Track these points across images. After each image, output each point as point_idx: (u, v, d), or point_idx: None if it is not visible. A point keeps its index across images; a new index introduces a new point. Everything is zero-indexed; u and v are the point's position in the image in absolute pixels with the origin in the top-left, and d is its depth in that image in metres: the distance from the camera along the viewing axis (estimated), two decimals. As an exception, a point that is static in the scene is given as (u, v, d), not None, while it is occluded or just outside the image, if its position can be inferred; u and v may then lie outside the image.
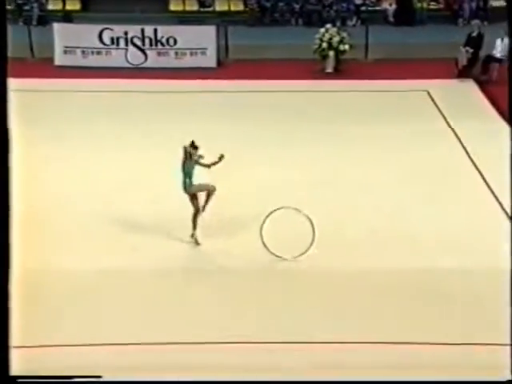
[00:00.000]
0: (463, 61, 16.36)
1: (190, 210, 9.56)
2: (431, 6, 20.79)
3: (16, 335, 3.79)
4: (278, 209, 9.23)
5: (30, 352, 7.18)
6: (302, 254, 9.19)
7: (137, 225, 10.15)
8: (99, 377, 5.28)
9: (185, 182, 9.38)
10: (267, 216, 9.20)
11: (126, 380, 6.97)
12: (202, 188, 9.43)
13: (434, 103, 14.99)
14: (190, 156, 9.32)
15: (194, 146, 9.38)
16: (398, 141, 13.10)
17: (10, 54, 3.68)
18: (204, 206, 9.50)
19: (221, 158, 9.40)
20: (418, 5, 20.62)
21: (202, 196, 9.55)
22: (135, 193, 11.07)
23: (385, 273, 9.07)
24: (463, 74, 16.34)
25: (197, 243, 9.50)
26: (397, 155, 12.50)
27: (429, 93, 15.52)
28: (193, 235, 9.53)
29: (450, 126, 13.71)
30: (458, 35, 17.16)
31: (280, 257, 9.22)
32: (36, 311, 8.01)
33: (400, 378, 6.48)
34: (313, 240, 9.15)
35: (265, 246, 9.22)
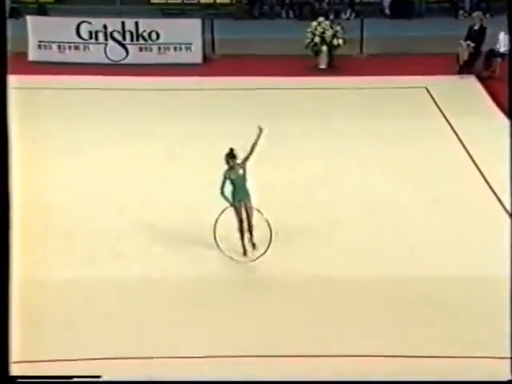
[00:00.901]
0: (464, 56, 16.42)
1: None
2: (429, -2, 20.89)
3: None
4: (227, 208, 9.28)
5: (25, 367, 7.12)
6: (258, 257, 9.28)
7: (120, 231, 10.12)
8: (98, 377, 5.31)
9: (233, 193, 9.20)
10: (220, 214, 9.26)
11: (125, 380, 7.00)
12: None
13: (434, 101, 15.04)
14: (231, 167, 9.14)
15: (231, 154, 9.17)
16: (396, 140, 13.14)
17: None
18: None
19: (260, 130, 9.34)
20: (416, -4, 20.70)
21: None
22: (117, 196, 11.03)
23: (382, 281, 9.08)
24: (464, 69, 16.40)
25: (244, 254, 9.42)
26: (394, 155, 12.55)
27: (428, 90, 15.58)
28: (244, 246, 9.44)
29: (450, 125, 13.76)
30: (458, 28, 17.23)
31: (236, 260, 9.32)
32: (33, 324, 7.97)
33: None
34: (269, 243, 9.20)
35: (218, 247, 9.31)
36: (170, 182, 11.52)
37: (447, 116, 14.16)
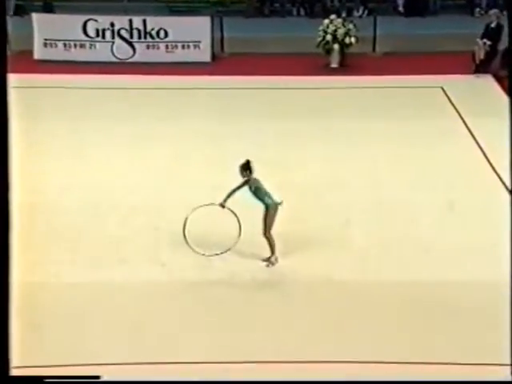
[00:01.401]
0: (480, 54, 16.35)
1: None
2: (445, -5, 20.81)
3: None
4: (204, 205, 9.34)
5: (26, 372, 7.13)
6: (226, 251, 9.32)
7: (125, 234, 10.13)
8: (98, 377, 5.37)
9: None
10: (192, 211, 9.34)
11: (125, 380, 7.00)
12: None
13: (449, 100, 14.98)
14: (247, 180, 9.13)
15: (245, 166, 9.15)
16: (410, 141, 13.09)
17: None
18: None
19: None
20: (431, -7, 20.63)
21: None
22: (123, 198, 11.03)
23: (396, 284, 9.06)
24: (480, 68, 16.33)
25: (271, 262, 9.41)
26: (408, 156, 12.51)
27: (443, 89, 15.52)
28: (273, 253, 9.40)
29: (466, 126, 13.71)
30: (474, 26, 17.16)
31: (201, 254, 9.34)
32: (36, 328, 8.00)
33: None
34: (238, 237, 9.26)
35: (186, 242, 9.30)
36: (177, 183, 11.52)
37: (463, 116, 14.10)
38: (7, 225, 3.39)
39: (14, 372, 5.80)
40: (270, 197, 9.14)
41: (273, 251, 9.33)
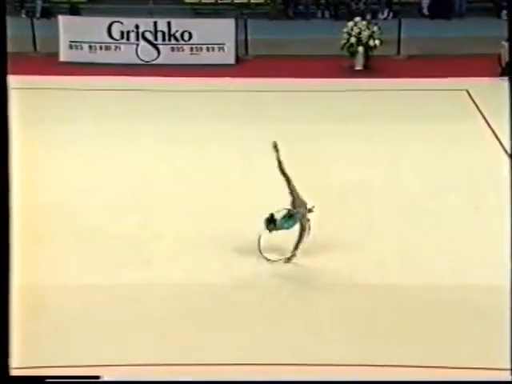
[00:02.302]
0: (506, 57, 16.23)
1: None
2: (471, -3, 20.67)
3: (15, 356, 3.79)
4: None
5: (47, 372, 7.19)
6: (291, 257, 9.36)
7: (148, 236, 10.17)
8: (97, 377, 5.41)
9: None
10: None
11: (125, 380, 7.03)
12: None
13: (475, 104, 14.88)
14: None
15: (270, 220, 9.23)
16: (435, 144, 13.02)
17: (11, 48, 3.69)
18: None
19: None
20: (457, -5, 20.50)
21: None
22: (147, 200, 11.08)
23: (420, 289, 9.01)
24: (506, 71, 16.21)
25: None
26: (432, 160, 12.44)
27: (468, 92, 15.42)
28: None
29: (491, 129, 13.59)
30: (501, 29, 16.92)
31: (270, 260, 9.35)
32: (38, 330, 8.05)
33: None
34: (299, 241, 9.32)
35: (260, 251, 9.35)
36: (200, 186, 11.54)
37: (489, 120, 13.98)
38: (7, 226, 3.41)
39: (36, 372, 5.87)
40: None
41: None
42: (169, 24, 17.60)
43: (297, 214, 9.24)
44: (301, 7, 20.66)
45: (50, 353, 7.82)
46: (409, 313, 8.61)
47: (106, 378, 5.94)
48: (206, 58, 17.48)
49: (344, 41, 17.01)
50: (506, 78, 16.09)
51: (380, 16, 20.21)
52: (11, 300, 3.59)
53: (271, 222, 9.19)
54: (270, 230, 9.21)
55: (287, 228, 9.28)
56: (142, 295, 8.91)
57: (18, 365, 6.14)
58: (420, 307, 8.70)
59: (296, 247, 9.33)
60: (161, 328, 8.35)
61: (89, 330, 8.30)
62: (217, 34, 17.55)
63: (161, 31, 17.58)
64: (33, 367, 7.29)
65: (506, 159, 12.41)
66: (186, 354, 7.91)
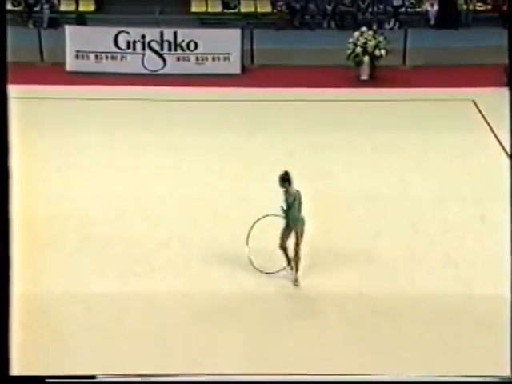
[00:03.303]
0: (513, 67, 16.22)
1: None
2: (477, 8, 20.69)
3: (16, 364, 3.80)
4: (262, 217, 9.26)
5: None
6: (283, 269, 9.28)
7: (152, 244, 10.18)
8: (93, 377, 5.42)
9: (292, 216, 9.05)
10: (252, 226, 9.29)
11: (125, 380, 7.02)
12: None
13: (481, 114, 14.88)
14: (287, 190, 9.02)
15: (284, 178, 9.04)
16: (441, 154, 13.03)
17: (18, 58, 3.73)
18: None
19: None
20: (463, 6, 20.53)
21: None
22: (153, 209, 11.10)
23: (426, 299, 8.99)
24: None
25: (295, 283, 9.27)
26: (438, 169, 12.45)
27: (474, 102, 15.42)
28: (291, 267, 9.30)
29: (497, 139, 13.59)
30: (506, 39, 17.00)
31: (263, 272, 9.32)
32: (39, 339, 8.07)
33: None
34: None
35: (250, 261, 9.32)
36: (206, 194, 11.56)
37: (495, 130, 13.98)
38: (7, 233, 3.41)
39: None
40: (295, 218, 9.03)
41: (289, 262, 9.29)
42: (175, 34, 17.67)
43: (293, 223, 9.04)
44: (307, 17, 20.72)
45: (53, 360, 7.82)
46: (415, 323, 8.59)
47: (104, 378, 5.96)
48: (211, 67, 17.53)
49: (350, 51, 17.04)
50: (512, 88, 16.10)
51: (386, 26, 20.24)
52: (11, 301, 3.60)
53: (285, 181, 8.97)
54: (285, 189, 8.94)
55: (287, 210, 9.03)
56: (146, 304, 8.92)
57: (20, 371, 6.13)
58: (426, 318, 8.69)
59: (297, 254, 9.18)
60: (165, 337, 8.35)
61: (92, 337, 8.30)
62: (223, 43, 17.61)
63: (167, 41, 17.65)
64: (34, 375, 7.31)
65: (512, 169, 12.41)
66: (189, 363, 7.91)
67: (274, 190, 10.14)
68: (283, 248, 9.22)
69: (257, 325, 8.62)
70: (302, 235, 9.08)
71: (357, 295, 9.05)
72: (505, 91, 17.25)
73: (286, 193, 9.02)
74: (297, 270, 9.20)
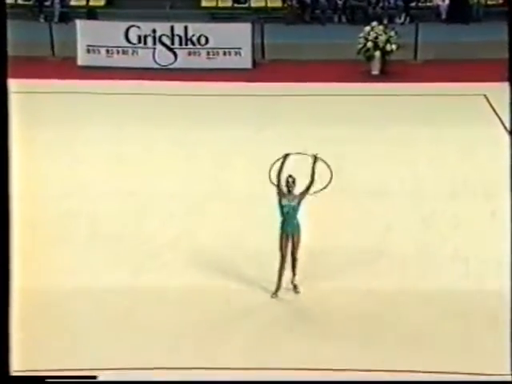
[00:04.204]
0: (525, 62, 16.11)
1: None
2: (489, 2, 20.56)
3: (17, 359, 3.80)
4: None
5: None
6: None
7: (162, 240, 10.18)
8: (94, 377, 5.44)
9: (293, 223, 8.63)
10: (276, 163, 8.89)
11: (124, 380, 7.04)
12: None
13: (492, 108, 14.79)
14: (289, 190, 8.64)
15: (291, 179, 8.70)
16: (452, 149, 12.98)
17: (30, 52, 3.72)
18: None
19: (315, 159, 8.94)
20: (474, 0, 20.40)
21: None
22: (163, 205, 11.10)
23: (437, 294, 8.96)
24: (524, 76, 16.08)
25: (276, 291, 8.92)
26: (450, 164, 12.40)
27: (486, 97, 15.33)
28: (279, 284, 8.92)
29: (509, 134, 13.50)
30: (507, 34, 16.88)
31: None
32: (50, 333, 8.09)
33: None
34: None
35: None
36: (218, 189, 11.55)
37: (506, 124, 13.90)
38: (8, 231, 3.41)
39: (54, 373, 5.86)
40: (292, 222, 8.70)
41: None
42: (186, 28, 17.64)
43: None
44: (317, 12, 20.64)
45: (64, 354, 7.84)
46: (425, 317, 8.57)
47: (103, 378, 5.97)
48: (222, 62, 17.49)
49: (361, 45, 16.97)
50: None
51: (397, 20, 20.14)
52: (12, 300, 3.60)
53: (291, 182, 8.67)
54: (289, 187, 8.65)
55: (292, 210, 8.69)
56: (156, 299, 8.92)
57: (27, 367, 6.16)
58: (437, 313, 8.66)
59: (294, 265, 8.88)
60: (176, 331, 8.35)
61: (103, 332, 8.32)
62: (233, 38, 17.57)
63: (178, 35, 17.62)
64: (48, 370, 7.34)
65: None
66: (199, 357, 7.91)
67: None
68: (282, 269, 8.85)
69: (266, 319, 8.61)
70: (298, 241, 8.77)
71: (367, 290, 9.02)
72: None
73: (291, 195, 8.70)
74: (294, 275, 8.92)
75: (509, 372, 7.47)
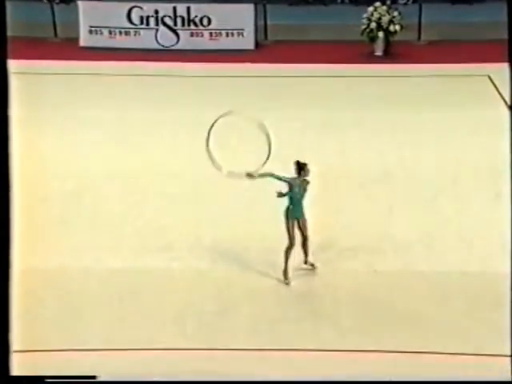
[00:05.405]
0: (529, 42, 16.01)
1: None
2: (493, -18, 20.40)
3: (17, 339, 3.80)
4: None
5: (33, 357, 7.23)
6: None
7: (164, 221, 10.17)
8: (94, 377, 5.45)
9: (299, 208, 8.67)
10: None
11: (124, 380, 7.08)
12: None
13: (497, 89, 14.72)
14: (299, 174, 8.68)
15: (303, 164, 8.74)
16: (456, 130, 12.92)
17: (31, 33, 3.67)
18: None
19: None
20: (478, -20, 20.24)
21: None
22: (167, 186, 11.08)
23: (440, 275, 8.97)
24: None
25: (312, 267, 9.03)
26: (453, 146, 12.35)
27: (490, 77, 15.25)
28: (306, 262, 9.04)
29: (510, 113, 13.45)
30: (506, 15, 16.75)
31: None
32: (54, 313, 8.11)
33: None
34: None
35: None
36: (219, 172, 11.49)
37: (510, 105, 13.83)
38: (8, 226, 3.40)
39: (59, 354, 5.88)
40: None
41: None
42: (188, 9, 17.54)
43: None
44: (320, -8, 20.48)
45: (70, 335, 7.87)
46: (429, 300, 8.58)
47: (102, 378, 6.01)
48: (225, 43, 17.40)
49: (364, 26, 16.86)
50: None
51: (400, 1, 19.97)
52: (11, 301, 3.59)
53: (300, 170, 8.71)
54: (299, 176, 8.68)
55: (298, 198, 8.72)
56: (161, 279, 8.94)
57: (37, 347, 6.17)
58: (440, 296, 8.67)
59: (306, 254, 9.03)
60: (181, 312, 8.37)
61: (108, 313, 8.34)
62: (236, 19, 17.47)
63: (180, 16, 17.52)
64: (54, 350, 7.36)
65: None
66: (206, 338, 7.93)
67: (287, 167, 10.07)
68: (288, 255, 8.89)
69: (269, 299, 8.62)
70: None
71: (370, 272, 9.03)
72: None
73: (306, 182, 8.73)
74: (307, 255, 9.02)
75: (509, 353, 7.52)
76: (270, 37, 17.89)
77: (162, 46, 17.50)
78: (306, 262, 9.09)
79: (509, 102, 3.90)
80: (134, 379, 7.22)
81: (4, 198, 3.34)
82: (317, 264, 9.09)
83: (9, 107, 3.34)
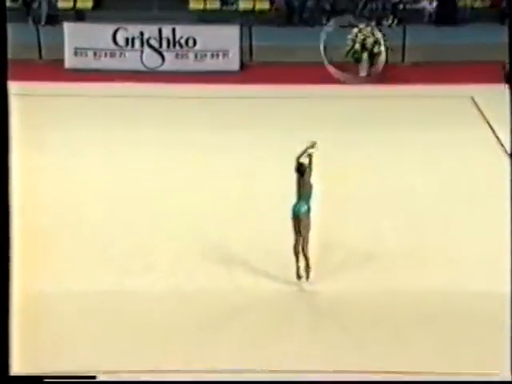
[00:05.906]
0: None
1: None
2: (476, 4, 20.67)
3: (16, 362, 3.80)
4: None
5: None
6: None
7: (152, 242, 10.17)
8: (93, 377, 5.43)
9: (305, 207, 8.79)
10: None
11: (124, 380, 7.05)
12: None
13: (479, 110, 14.88)
14: (303, 174, 8.84)
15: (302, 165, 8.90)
16: (439, 151, 13.03)
17: (16, 55, 3.71)
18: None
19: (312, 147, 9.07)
20: (462, 2, 20.52)
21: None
22: (151, 206, 11.09)
23: (426, 295, 9.00)
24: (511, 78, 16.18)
25: (299, 277, 9.04)
26: (437, 166, 12.45)
27: (473, 99, 15.41)
28: (298, 269, 9.03)
29: (495, 135, 13.59)
30: (505, 35, 16.85)
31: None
32: (41, 336, 8.06)
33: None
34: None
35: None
36: (205, 191, 11.54)
37: (493, 126, 13.98)
38: (8, 232, 3.40)
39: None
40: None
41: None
42: (173, 31, 17.64)
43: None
44: (305, 14, 20.66)
45: (51, 359, 7.81)
46: (415, 320, 8.59)
47: (101, 378, 5.98)
48: (210, 64, 17.50)
49: (348, 47, 17.02)
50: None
51: (385, 23, 20.21)
52: (12, 301, 3.60)
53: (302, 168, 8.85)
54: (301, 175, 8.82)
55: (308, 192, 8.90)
56: (144, 302, 8.91)
57: (17, 370, 6.14)
58: (426, 315, 8.69)
59: (305, 251, 9.08)
60: (164, 334, 8.34)
61: (91, 336, 8.29)
62: (221, 40, 17.58)
63: (165, 38, 17.62)
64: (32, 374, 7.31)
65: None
66: (188, 360, 7.90)
67: (274, 188, 10.16)
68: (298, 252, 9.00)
69: (258, 321, 8.61)
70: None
71: (356, 292, 9.04)
72: (503, 88, 17.34)
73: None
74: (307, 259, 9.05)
75: (498, 371, 7.55)
76: (255, 58, 18.02)
77: (148, 67, 17.57)
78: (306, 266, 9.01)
79: (509, 120, 3.94)
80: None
81: (4, 222, 3.35)
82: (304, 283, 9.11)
83: (9, 128, 3.37)
